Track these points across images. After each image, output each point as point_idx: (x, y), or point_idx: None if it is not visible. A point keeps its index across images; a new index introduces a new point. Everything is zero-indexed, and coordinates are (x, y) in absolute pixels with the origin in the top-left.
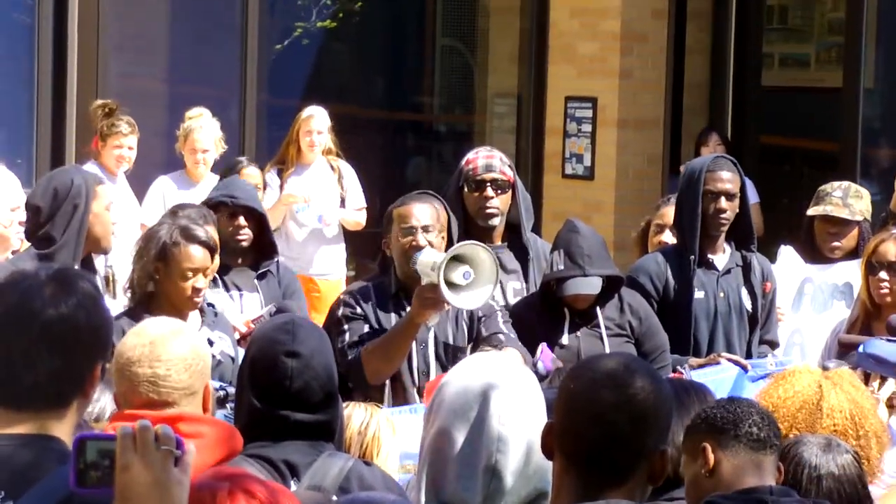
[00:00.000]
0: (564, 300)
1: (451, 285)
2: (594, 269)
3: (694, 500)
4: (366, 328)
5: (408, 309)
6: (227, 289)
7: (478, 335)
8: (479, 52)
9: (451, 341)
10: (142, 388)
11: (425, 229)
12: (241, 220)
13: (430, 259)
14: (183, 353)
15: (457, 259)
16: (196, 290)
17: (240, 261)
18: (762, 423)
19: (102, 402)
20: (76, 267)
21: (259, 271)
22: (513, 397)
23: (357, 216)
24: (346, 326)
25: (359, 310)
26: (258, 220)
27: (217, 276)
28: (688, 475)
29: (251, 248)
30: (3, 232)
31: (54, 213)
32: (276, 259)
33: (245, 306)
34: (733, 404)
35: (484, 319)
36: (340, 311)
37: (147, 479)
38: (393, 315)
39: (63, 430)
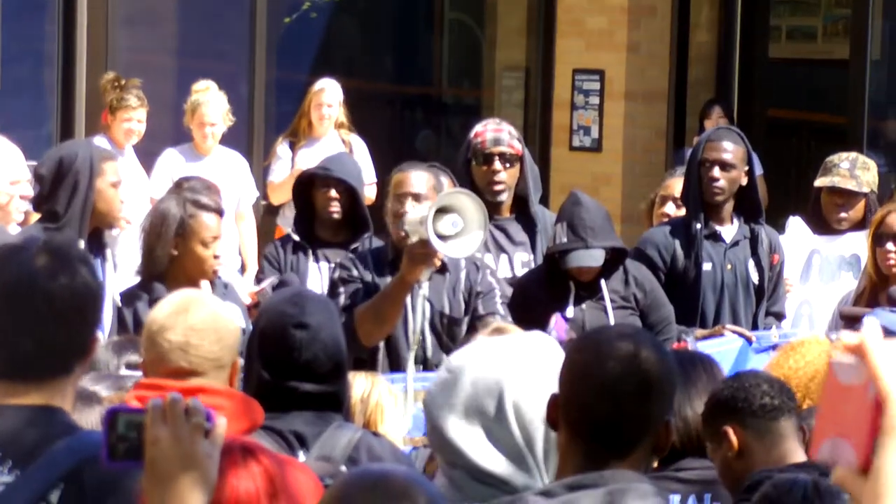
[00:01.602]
0: (568, 273)
1: (441, 237)
2: (597, 241)
3: (729, 483)
4: (361, 292)
5: None
6: (317, 259)
7: (474, 311)
8: (487, 25)
9: (447, 311)
10: (173, 354)
11: (416, 197)
12: (333, 192)
13: (416, 216)
14: (215, 325)
15: (443, 211)
16: (216, 257)
17: (335, 236)
18: (772, 390)
19: None
20: (82, 242)
21: (352, 247)
22: (529, 384)
23: (367, 191)
24: (341, 289)
25: (355, 272)
26: (352, 195)
27: (308, 246)
28: (717, 461)
29: (345, 223)
30: (4, 206)
31: (57, 185)
32: (368, 235)
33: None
34: (740, 380)
35: (482, 296)
36: (336, 275)
37: (176, 452)
38: (389, 278)
39: (66, 397)
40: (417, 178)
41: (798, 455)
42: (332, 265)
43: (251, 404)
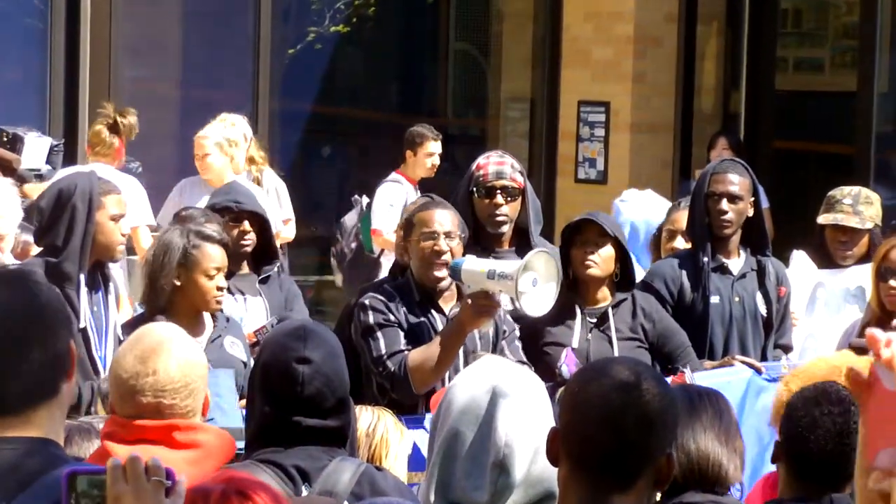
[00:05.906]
0: (578, 285)
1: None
2: (609, 223)
3: None
4: (402, 335)
5: (432, 313)
6: (231, 293)
7: (501, 352)
8: (492, 56)
9: (478, 349)
10: (146, 410)
11: (448, 235)
12: (246, 225)
13: (479, 268)
14: (185, 379)
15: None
16: (220, 289)
17: (244, 265)
18: None
19: None
20: (82, 275)
21: (261, 276)
22: (519, 398)
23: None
24: (378, 334)
25: (391, 316)
26: (261, 225)
27: None
28: None
29: (252, 252)
30: None
31: (55, 218)
32: (277, 263)
33: (249, 310)
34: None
35: (507, 338)
36: (372, 318)
37: None
38: (423, 319)
39: (55, 423)
40: (443, 216)
41: None
42: (366, 301)
43: (225, 437)
